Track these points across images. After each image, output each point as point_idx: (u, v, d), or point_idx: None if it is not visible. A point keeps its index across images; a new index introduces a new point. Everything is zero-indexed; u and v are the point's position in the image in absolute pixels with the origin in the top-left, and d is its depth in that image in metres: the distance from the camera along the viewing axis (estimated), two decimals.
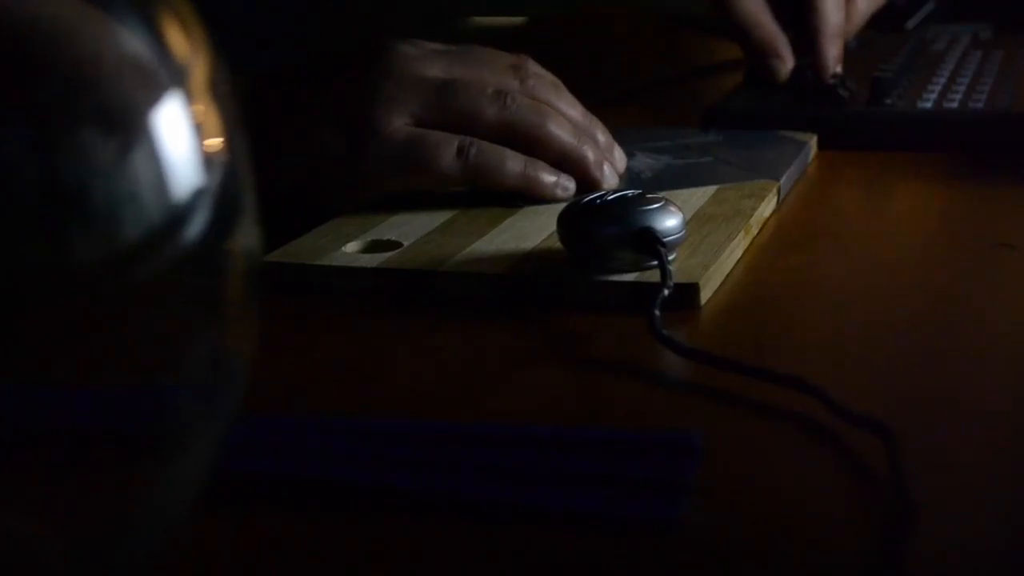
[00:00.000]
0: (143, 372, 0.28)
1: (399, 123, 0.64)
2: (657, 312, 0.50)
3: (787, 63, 0.88)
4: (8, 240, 0.25)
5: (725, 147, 0.75)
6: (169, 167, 0.27)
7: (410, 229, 0.61)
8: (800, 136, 0.77)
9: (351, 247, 0.59)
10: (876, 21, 1.00)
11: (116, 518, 0.28)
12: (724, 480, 0.39)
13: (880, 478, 0.39)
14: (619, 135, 0.71)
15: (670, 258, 0.53)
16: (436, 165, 0.63)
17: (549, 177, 0.65)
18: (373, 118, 0.64)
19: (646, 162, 0.72)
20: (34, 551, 0.28)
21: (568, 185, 0.65)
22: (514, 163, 0.64)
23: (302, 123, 0.65)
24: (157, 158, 0.27)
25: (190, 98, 0.28)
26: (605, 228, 0.54)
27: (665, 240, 0.54)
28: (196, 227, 0.27)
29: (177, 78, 0.28)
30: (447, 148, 0.63)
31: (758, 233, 0.63)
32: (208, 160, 0.28)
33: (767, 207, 0.65)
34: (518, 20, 1.27)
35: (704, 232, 0.59)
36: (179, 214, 0.27)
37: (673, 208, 0.55)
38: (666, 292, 0.51)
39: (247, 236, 0.29)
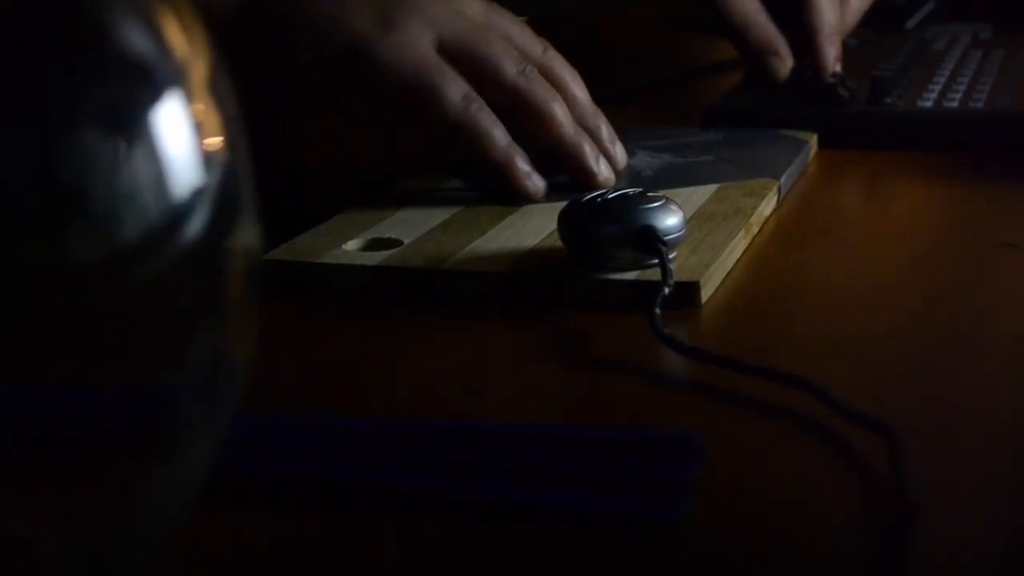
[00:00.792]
0: (143, 372, 0.27)
1: (426, 38, 0.64)
2: (658, 311, 0.49)
3: (787, 61, 0.88)
4: (8, 240, 0.25)
5: (725, 146, 0.75)
6: (169, 166, 0.27)
7: (410, 227, 0.61)
8: (800, 135, 0.77)
9: (351, 245, 0.59)
10: (876, 21, 1.00)
11: (116, 518, 0.28)
12: (724, 480, 0.39)
13: (880, 478, 0.39)
14: (619, 135, 0.71)
15: (671, 257, 0.53)
16: (439, 98, 0.63)
17: (524, 166, 0.65)
18: (404, 25, 0.63)
19: (647, 161, 0.72)
20: (34, 551, 0.28)
21: (539, 183, 0.65)
22: (502, 137, 0.64)
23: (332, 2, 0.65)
24: (157, 157, 0.27)
25: (190, 97, 0.28)
26: (606, 227, 0.54)
27: (666, 239, 0.53)
28: (196, 226, 0.27)
29: (177, 77, 0.28)
30: (456, 89, 0.63)
31: (759, 232, 0.63)
32: (208, 159, 0.28)
33: (767, 206, 0.65)
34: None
35: (705, 231, 0.59)
36: (179, 213, 0.27)
37: (674, 207, 0.55)
38: (667, 291, 0.51)
39: (247, 235, 0.29)
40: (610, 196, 0.55)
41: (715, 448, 0.40)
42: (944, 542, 0.35)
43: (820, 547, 0.36)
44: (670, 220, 0.54)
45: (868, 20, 0.98)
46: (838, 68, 0.86)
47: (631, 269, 0.54)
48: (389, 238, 0.60)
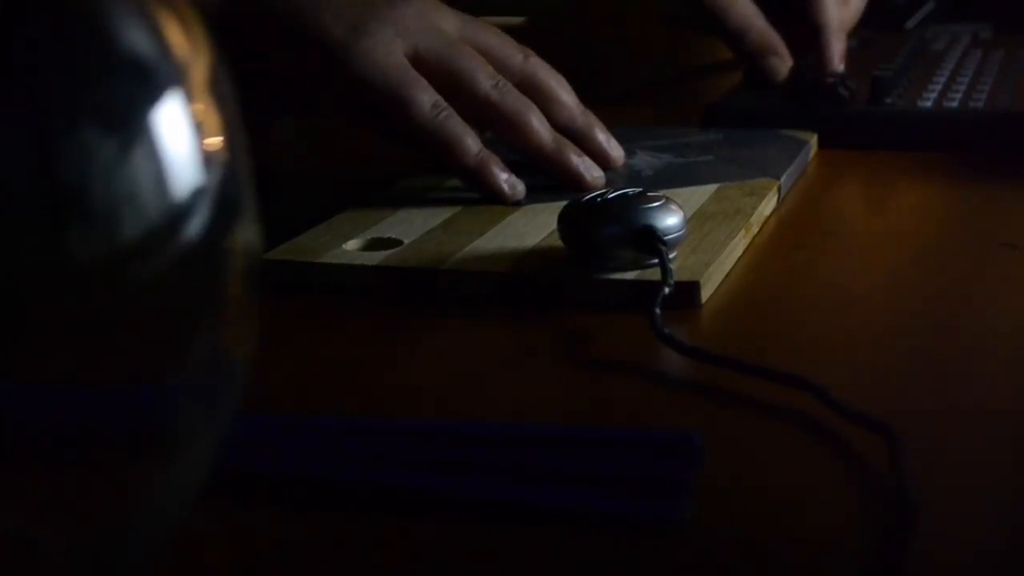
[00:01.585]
0: (143, 372, 0.27)
1: (399, 48, 0.64)
2: (658, 310, 0.49)
3: (786, 61, 0.88)
4: (7, 239, 0.25)
5: (726, 146, 0.75)
6: (169, 166, 0.27)
7: (410, 227, 0.61)
8: (800, 135, 0.77)
9: (351, 245, 0.59)
10: (876, 21, 1.00)
11: (116, 518, 0.28)
12: (724, 480, 0.39)
13: (880, 478, 0.39)
14: (619, 134, 0.71)
15: (671, 256, 0.53)
16: (408, 106, 0.63)
17: (497, 170, 0.64)
18: (378, 32, 0.64)
19: (647, 160, 0.72)
20: (34, 551, 0.28)
21: (517, 185, 0.65)
22: (473, 143, 0.64)
23: (310, 3, 0.65)
24: (157, 157, 0.27)
25: (190, 97, 0.28)
26: (606, 226, 0.54)
27: (666, 238, 0.53)
28: (196, 226, 0.27)
29: (177, 77, 0.28)
30: (426, 98, 0.63)
31: (759, 232, 0.63)
32: (208, 159, 0.28)
33: (768, 206, 0.65)
34: (518, 20, 1.27)
35: (705, 230, 0.59)
36: (179, 213, 0.27)
37: (674, 206, 0.55)
38: (667, 290, 0.51)
39: (247, 234, 0.29)
40: (610, 196, 0.55)
41: (715, 448, 0.40)
42: (944, 542, 0.35)
43: (820, 547, 0.36)
44: (670, 220, 0.54)
45: (868, 20, 0.98)
46: (842, 66, 0.86)
47: (631, 269, 0.54)
48: (389, 238, 0.60)
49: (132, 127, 0.26)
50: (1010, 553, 0.36)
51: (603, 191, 0.56)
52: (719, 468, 0.39)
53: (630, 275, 0.54)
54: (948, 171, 0.74)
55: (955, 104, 0.81)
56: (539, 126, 0.66)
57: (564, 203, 0.57)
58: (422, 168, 0.70)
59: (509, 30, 0.70)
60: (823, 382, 0.43)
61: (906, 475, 0.37)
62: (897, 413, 0.41)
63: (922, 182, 0.73)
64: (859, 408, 0.41)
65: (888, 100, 0.82)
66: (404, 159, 0.70)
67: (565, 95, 0.69)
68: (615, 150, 0.69)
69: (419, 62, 0.65)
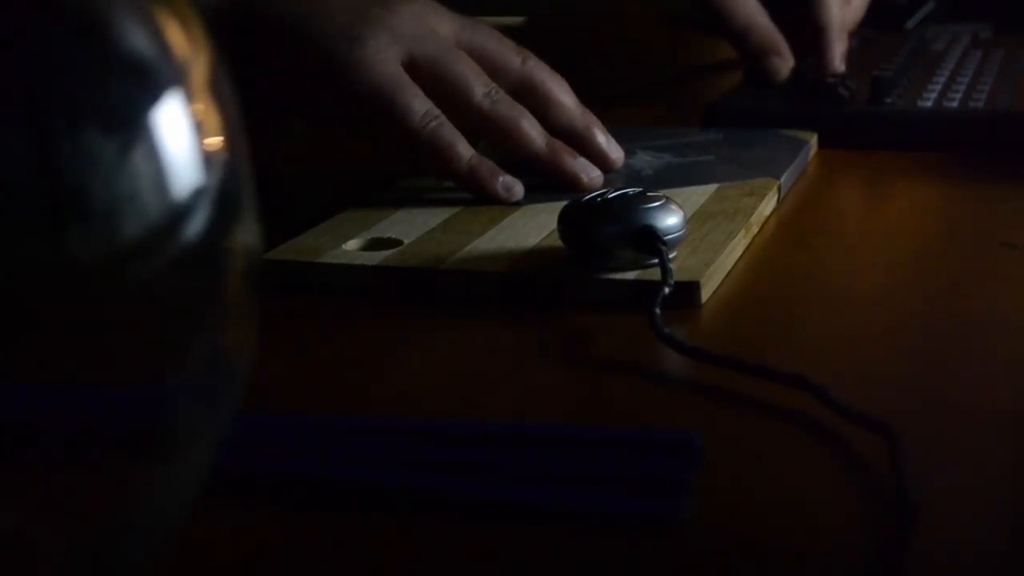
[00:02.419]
0: (143, 372, 0.27)
1: (394, 54, 0.64)
2: (658, 310, 0.49)
3: (788, 61, 0.88)
4: (8, 239, 0.25)
5: (726, 146, 0.75)
6: (169, 166, 0.27)
7: (410, 227, 0.61)
8: (800, 135, 0.77)
9: (351, 245, 0.59)
10: (876, 21, 1.00)
11: (116, 518, 0.28)
12: (724, 480, 0.39)
13: (880, 478, 0.39)
14: (619, 134, 0.71)
15: (671, 256, 0.53)
16: (400, 114, 0.63)
17: (490, 173, 0.64)
18: (372, 40, 0.64)
19: (647, 160, 0.72)
20: (34, 551, 0.28)
21: (514, 187, 0.65)
22: (465, 149, 0.64)
23: (305, 8, 0.65)
24: (157, 157, 0.27)
25: (190, 97, 0.28)
26: (606, 226, 0.54)
27: (666, 238, 0.53)
28: (196, 226, 0.27)
29: (177, 77, 0.28)
30: (418, 106, 0.63)
31: (759, 231, 0.63)
32: (208, 159, 0.28)
33: (768, 206, 0.65)
34: (518, 20, 1.27)
35: (705, 230, 0.59)
36: (179, 213, 0.27)
37: (674, 206, 0.55)
38: (667, 290, 0.51)
39: (247, 234, 0.29)
40: (610, 196, 0.55)
41: (715, 448, 0.40)
42: (944, 542, 0.35)
43: (820, 547, 0.36)
44: (670, 220, 0.54)
45: (868, 20, 0.98)
46: (843, 67, 0.86)
47: (631, 269, 0.54)
48: (389, 238, 0.60)
49: (132, 127, 0.26)
50: (1010, 553, 0.36)
51: (603, 191, 0.56)
52: (719, 468, 0.39)
53: (630, 275, 0.54)
54: (948, 171, 0.74)
55: (955, 104, 0.81)
56: (531, 132, 0.66)
57: (564, 203, 0.57)
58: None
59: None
60: (823, 382, 0.43)
61: (906, 475, 0.37)
62: (897, 413, 0.41)
63: (922, 182, 0.73)
64: (859, 408, 0.41)
65: (888, 100, 0.82)
66: (404, 159, 0.70)
67: (564, 97, 0.69)
68: (615, 151, 0.69)
69: (414, 68, 0.65)
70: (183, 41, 0.28)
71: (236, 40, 0.65)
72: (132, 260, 0.26)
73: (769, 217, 0.65)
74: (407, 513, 0.38)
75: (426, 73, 0.65)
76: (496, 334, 0.52)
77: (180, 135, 0.27)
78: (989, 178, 0.72)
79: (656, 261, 0.53)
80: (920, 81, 0.88)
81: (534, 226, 0.60)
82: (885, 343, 0.50)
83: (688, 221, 0.56)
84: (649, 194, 0.56)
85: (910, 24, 1.14)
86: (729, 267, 0.57)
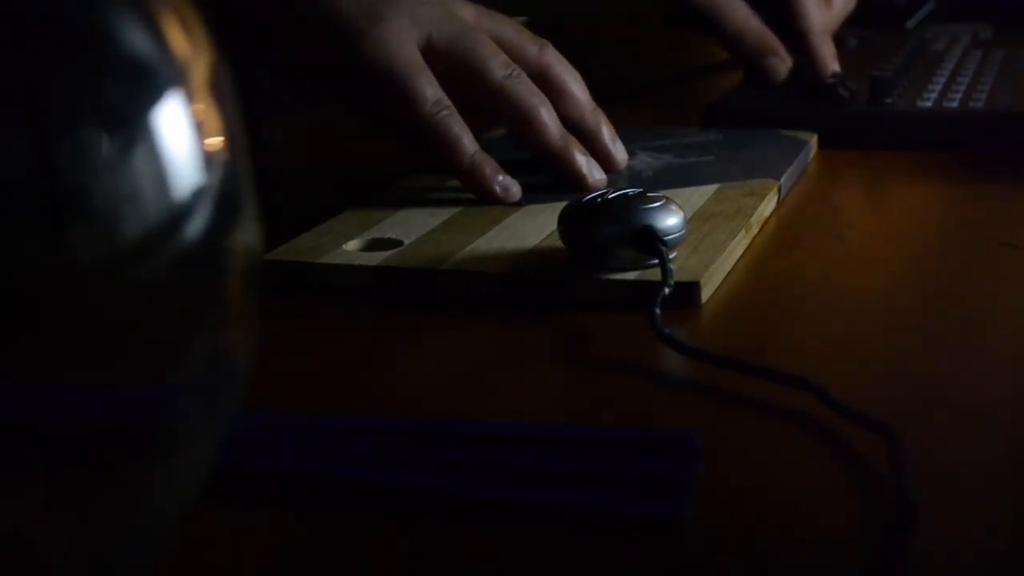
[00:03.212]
0: (143, 372, 0.27)
1: (412, 37, 0.64)
2: (658, 311, 0.50)
3: (786, 60, 0.88)
4: (8, 239, 0.25)
5: (726, 146, 0.75)
6: (169, 166, 0.27)
7: (411, 227, 0.61)
8: (800, 135, 0.77)
9: (351, 245, 0.59)
10: (876, 21, 1.00)
11: (116, 518, 0.28)
12: (724, 480, 0.39)
13: (880, 478, 0.39)
14: (620, 135, 0.71)
15: (671, 257, 0.53)
16: (411, 98, 0.63)
17: (491, 172, 0.64)
18: (392, 20, 0.64)
19: (647, 161, 0.72)
20: (34, 551, 0.28)
21: (511, 188, 0.65)
22: (470, 144, 0.64)
23: None
24: (157, 157, 0.27)
25: (190, 97, 0.28)
26: (606, 227, 0.54)
27: (666, 239, 0.54)
28: (196, 226, 0.27)
29: (177, 77, 0.28)
30: (430, 93, 0.64)
31: (759, 232, 0.63)
32: (208, 159, 0.28)
33: (768, 206, 0.65)
34: (518, 20, 1.27)
35: (705, 231, 0.59)
36: (179, 213, 0.27)
37: (674, 207, 0.55)
38: (667, 291, 0.51)
39: (247, 235, 0.29)
40: (610, 196, 0.55)
41: (715, 448, 0.40)
42: (944, 542, 0.35)
43: (820, 547, 0.36)
44: (670, 220, 0.54)
45: (868, 20, 0.98)
46: (836, 66, 0.87)
47: (631, 269, 0.54)
48: (389, 238, 0.60)
49: (132, 127, 0.26)
50: (1010, 553, 0.36)
51: (603, 191, 0.56)
52: (719, 468, 0.39)
53: (630, 275, 0.54)
54: (948, 171, 0.74)
55: (955, 104, 0.81)
56: (549, 121, 0.66)
57: (564, 203, 0.57)
58: (422, 168, 0.70)
59: None
60: (823, 382, 0.43)
61: (906, 475, 0.37)
62: (897, 413, 0.41)
63: (922, 182, 0.73)
64: (859, 408, 0.41)
65: (888, 100, 0.82)
66: (404, 159, 0.70)
67: (578, 90, 0.69)
68: (619, 153, 0.69)
69: (432, 51, 0.65)
70: (183, 41, 0.28)
71: (251, 14, 0.66)
72: (132, 260, 0.26)
73: (769, 217, 0.65)
74: (407, 513, 0.38)
75: (445, 55, 0.65)
76: (496, 334, 0.52)
77: (180, 135, 0.27)
78: (989, 178, 0.72)
79: (656, 261, 0.53)
80: (920, 81, 0.88)
81: (534, 226, 0.60)
82: (885, 343, 0.50)
83: (688, 221, 0.56)
84: (649, 194, 0.56)
85: (910, 24, 1.14)
86: (729, 267, 0.57)
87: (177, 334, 0.28)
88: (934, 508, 0.36)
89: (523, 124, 0.65)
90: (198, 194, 0.27)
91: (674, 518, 0.36)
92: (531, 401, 0.46)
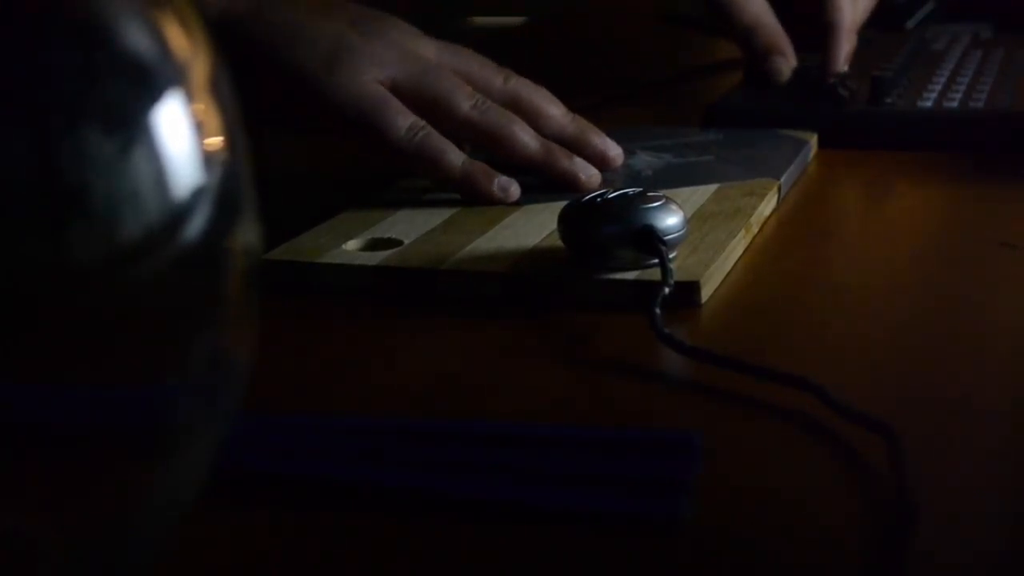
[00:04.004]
0: (143, 372, 0.27)
1: (372, 77, 0.64)
2: (658, 310, 0.49)
3: (790, 62, 0.88)
4: (8, 239, 0.25)
5: (726, 146, 0.75)
6: (169, 166, 0.27)
7: (410, 227, 0.61)
8: (800, 135, 0.77)
9: (351, 245, 0.59)
10: (876, 21, 1.00)
11: (116, 518, 0.28)
12: (724, 480, 0.39)
13: (880, 478, 0.39)
14: (619, 135, 0.71)
15: (671, 256, 0.53)
16: (385, 130, 0.64)
17: (485, 176, 0.64)
18: (351, 64, 0.64)
19: (647, 161, 0.72)
20: (34, 551, 0.28)
21: (510, 187, 0.65)
22: (456, 156, 0.64)
23: (287, 36, 0.66)
24: (157, 157, 0.27)
25: (190, 97, 0.28)
26: (606, 226, 0.54)
27: (666, 238, 0.53)
28: (196, 225, 0.27)
29: (177, 77, 0.28)
30: (401, 121, 0.64)
31: (759, 232, 0.63)
32: (208, 159, 0.28)
33: (768, 206, 0.65)
34: (518, 20, 1.27)
35: (705, 230, 0.59)
36: (179, 212, 0.27)
37: (674, 206, 0.55)
38: (667, 290, 0.51)
39: (247, 234, 0.29)
40: (610, 196, 0.55)
41: (715, 448, 0.40)
42: (944, 542, 0.35)
43: (820, 547, 0.36)
44: (670, 220, 0.54)
45: (868, 20, 0.98)
46: (846, 66, 0.86)
47: (631, 269, 0.54)
48: (389, 238, 0.60)
49: (132, 127, 0.27)
50: (1010, 553, 0.36)
51: (603, 191, 0.56)
52: (719, 468, 0.39)
53: (630, 275, 0.54)
54: (948, 171, 0.74)
55: (955, 104, 0.81)
56: (524, 136, 0.66)
57: (564, 203, 0.57)
58: None
59: (509, 30, 0.70)
60: (823, 382, 0.43)
61: (906, 475, 0.37)
62: (897, 413, 0.41)
63: (922, 182, 0.73)
64: (859, 408, 0.41)
65: (888, 100, 0.82)
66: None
67: (551, 108, 0.69)
68: (612, 149, 0.69)
69: (397, 91, 0.65)
70: (183, 41, 0.28)
71: (232, 49, 0.66)
72: (132, 260, 0.26)
73: (769, 217, 0.65)
74: (407, 513, 0.38)
75: (410, 95, 0.65)
76: (496, 334, 0.52)
77: (180, 135, 0.27)
78: (989, 178, 0.72)
79: (656, 261, 0.53)
80: (920, 81, 0.88)
81: (534, 226, 0.60)
82: (885, 343, 0.50)
83: (688, 221, 0.56)
84: (649, 194, 0.56)
85: (910, 24, 1.14)
86: (729, 267, 0.57)
87: (177, 334, 0.28)
88: (934, 508, 0.36)
89: (499, 143, 0.66)
90: (198, 194, 0.27)
91: (674, 518, 0.36)
92: (531, 401, 0.46)
